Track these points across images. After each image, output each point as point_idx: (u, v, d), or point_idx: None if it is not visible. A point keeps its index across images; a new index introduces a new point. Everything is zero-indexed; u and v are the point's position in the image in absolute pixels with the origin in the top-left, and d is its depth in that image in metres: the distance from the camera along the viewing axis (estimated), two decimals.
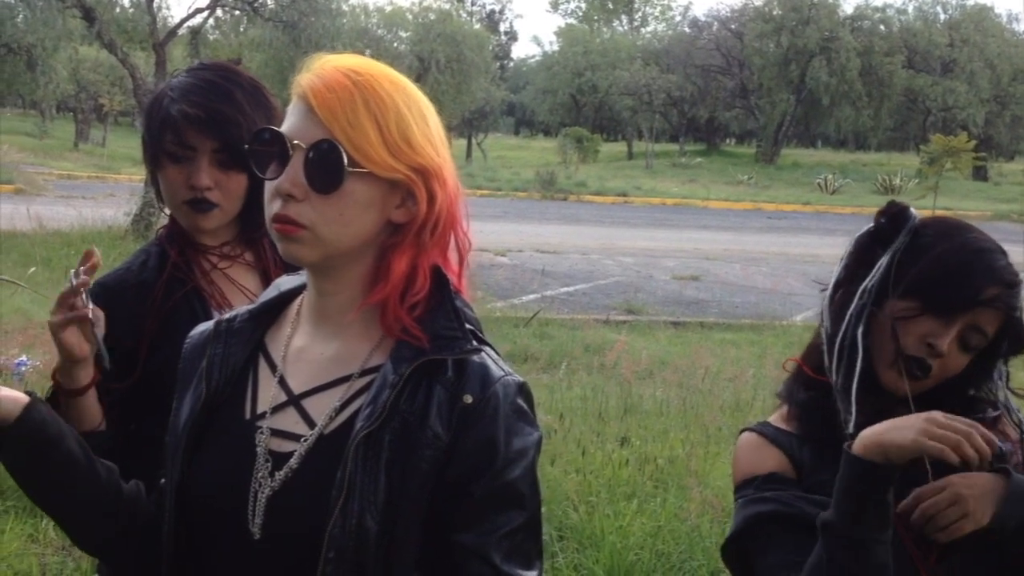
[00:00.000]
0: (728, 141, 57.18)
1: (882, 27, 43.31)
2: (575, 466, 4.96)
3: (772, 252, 17.12)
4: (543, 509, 4.02)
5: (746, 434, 1.78)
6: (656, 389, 6.88)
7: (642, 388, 6.85)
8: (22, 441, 1.39)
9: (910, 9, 45.54)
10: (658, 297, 12.05)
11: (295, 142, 1.32)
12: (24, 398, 1.41)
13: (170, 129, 1.97)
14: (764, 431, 1.76)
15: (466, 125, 45.29)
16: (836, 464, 1.55)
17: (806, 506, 1.62)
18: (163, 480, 1.47)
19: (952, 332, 1.62)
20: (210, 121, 1.96)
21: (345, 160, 1.31)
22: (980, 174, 35.52)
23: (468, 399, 1.33)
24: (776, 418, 1.78)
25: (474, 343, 1.37)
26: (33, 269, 8.34)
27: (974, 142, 9.86)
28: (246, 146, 1.38)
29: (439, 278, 1.39)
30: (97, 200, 16.21)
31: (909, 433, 1.49)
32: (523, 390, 1.38)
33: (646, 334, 9.57)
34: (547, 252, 15.35)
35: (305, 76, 1.35)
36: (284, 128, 1.35)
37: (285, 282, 1.51)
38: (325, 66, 1.35)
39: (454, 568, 1.33)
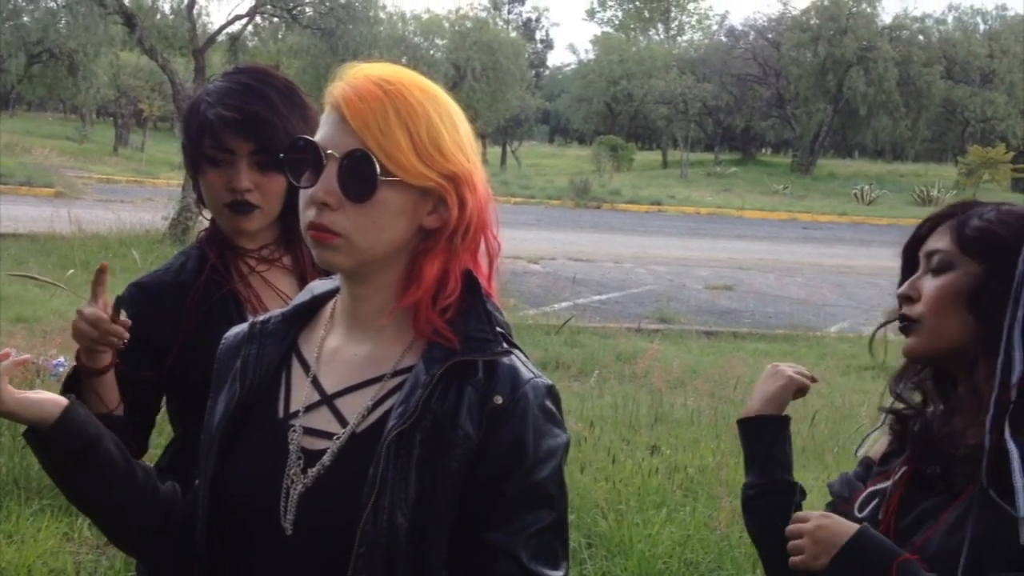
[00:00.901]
0: (764, 151, 56.87)
1: (921, 37, 42.94)
2: (604, 474, 4.96)
3: (807, 263, 17.01)
4: (572, 516, 4.02)
5: None
6: (687, 398, 6.86)
7: (673, 397, 6.84)
8: (60, 443, 1.43)
9: (949, 19, 45.18)
10: (691, 306, 12.01)
11: (329, 151, 1.35)
12: (63, 401, 1.44)
13: (208, 133, 2.00)
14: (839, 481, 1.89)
15: (501, 133, 45.37)
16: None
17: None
18: (196, 478, 1.50)
19: None
20: (247, 123, 1.99)
21: (378, 169, 1.33)
22: (1019, 186, 35.02)
23: (498, 400, 1.35)
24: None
25: (504, 345, 1.39)
26: (71, 271, 8.44)
27: (1012, 153, 9.74)
28: (281, 155, 1.41)
29: (470, 282, 1.42)
30: (135, 204, 16.42)
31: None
32: (552, 392, 1.40)
33: (678, 343, 9.54)
34: (580, 260, 15.34)
35: (338, 86, 1.37)
36: (318, 137, 1.37)
37: (318, 286, 1.53)
38: (357, 75, 1.37)
39: (482, 566, 1.35)
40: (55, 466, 1.47)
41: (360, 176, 1.34)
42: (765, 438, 1.93)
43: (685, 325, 10.61)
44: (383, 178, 1.34)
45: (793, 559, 1.67)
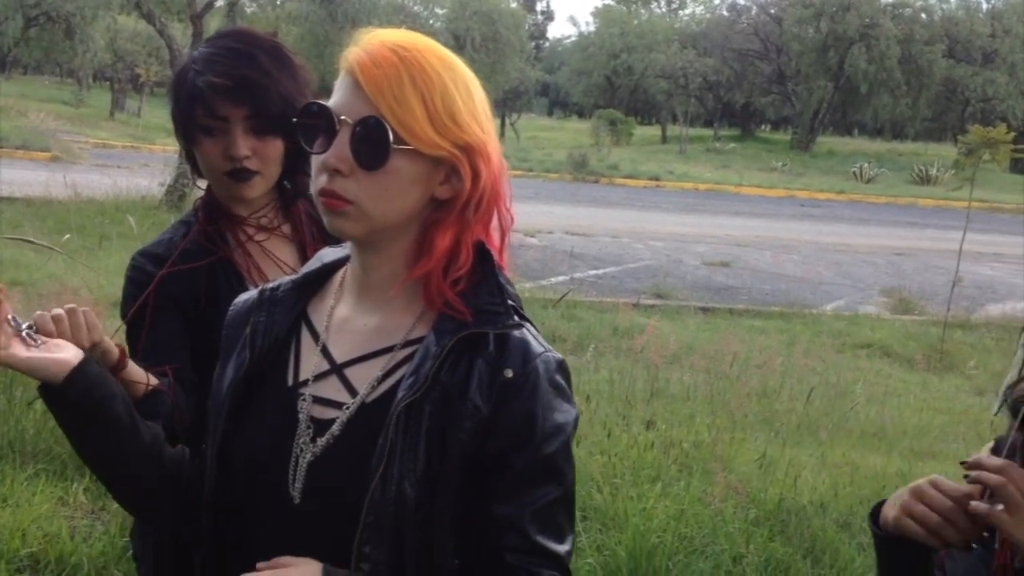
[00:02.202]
0: (763, 127, 56.72)
1: (923, 15, 42.73)
2: (600, 448, 4.96)
3: (804, 240, 17.00)
4: None
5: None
6: (683, 374, 6.86)
7: (669, 373, 6.84)
8: (65, 402, 1.42)
9: None
10: (687, 282, 12.00)
11: (342, 117, 1.33)
12: (71, 362, 1.42)
13: (199, 102, 1.97)
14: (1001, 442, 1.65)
15: (500, 105, 45.16)
16: None
17: None
18: (205, 444, 1.49)
19: None
20: (238, 88, 1.95)
21: (391, 137, 1.32)
22: (1018, 166, 35.02)
23: (509, 373, 1.34)
24: None
25: (516, 318, 1.38)
26: (68, 236, 8.39)
27: (1013, 134, 9.70)
28: (294, 119, 1.39)
29: (483, 254, 1.41)
30: (132, 170, 16.33)
31: (892, 509, 1.42)
32: (562, 367, 1.40)
33: (675, 319, 9.55)
34: (577, 234, 15.32)
35: (353, 50, 1.35)
36: (331, 103, 1.36)
37: (328, 254, 1.52)
38: (372, 41, 1.35)
39: (489, 538, 1.35)
40: (61, 421, 1.47)
41: (373, 143, 1.32)
42: None
43: (682, 301, 10.61)
44: (396, 146, 1.32)
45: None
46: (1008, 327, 10.22)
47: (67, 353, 1.43)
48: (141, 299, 1.96)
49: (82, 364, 1.43)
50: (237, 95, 1.96)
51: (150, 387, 1.80)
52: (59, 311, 1.61)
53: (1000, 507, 1.38)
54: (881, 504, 1.53)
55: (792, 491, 4.62)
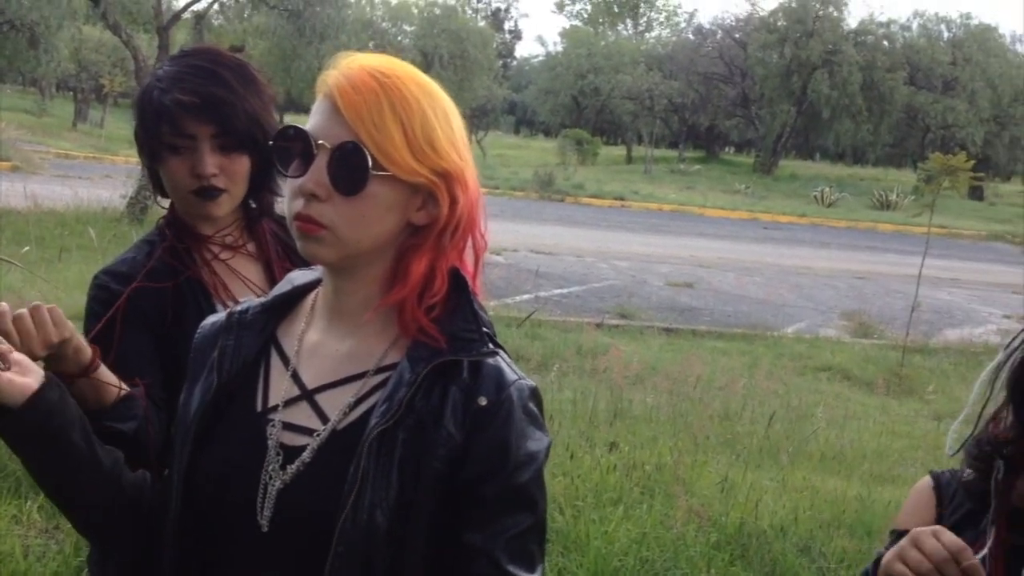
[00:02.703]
0: (727, 149, 57.22)
1: (885, 43, 43.37)
2: (563, 469, 4.96)
3: (767, 262, 17.14)
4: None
5: (924, 479, 1.71)
6: (647, 395, 6.88)
7: (632, 393, 6.86)
8: (22, 427, 1.38)
9: (914, 26, 45.57)
10: (651, 303, 12.06)
11: (320, 142, 1.32)
12: (30, 388, 1.37)
13: (166, 120, 1.95)
14: (940, 478, 1.68)
15: (467, 122, 45.10)
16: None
17: None
18: (167, 470, 1.46)
19: None
20: (205, 106, 1.94)
21: (370, 162, 1.31)
22: (976, 194, 35.60)
23: (483, 401, 1.33)
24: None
25: (490, 346, 1.38)
26: (27, 248, 8.30)
27: (972, 162, 9.84)
28: (271, 142, 1.39)
29: (458, 280, 1.40)
30: (93, 181, 16.18)
31: (889, 554, 1.43)
32: (535, 395, 1.39)
33: (638, 339, 9.58)
34: (542, 253, 15.35)
35: (332, 74, 1.34)
36: (309, 126, 1.34)
37: (298, 276, 1.50)
38: (352, 65, 1.34)
39: (460, 567, 1.33)
40: (16, 446, 1.42)
41: (351, 168, 1.31)
42: None
43: (645, 321, 10.65)
44: (375, 172, 1.31)
45: None
46: (965, 352, 10.35)
47: (29, 377, 1.39)
48: (111, 312, 1.93)
49: (42, 389, 1.38)
50: (204, 113, 1.94)
51: (123, 391, 1.76)
52: (22, 311, 1.57)
53: None
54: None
55: (753, 515, 4.63)
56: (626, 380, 7.02)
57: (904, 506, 1.72)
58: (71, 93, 40.33)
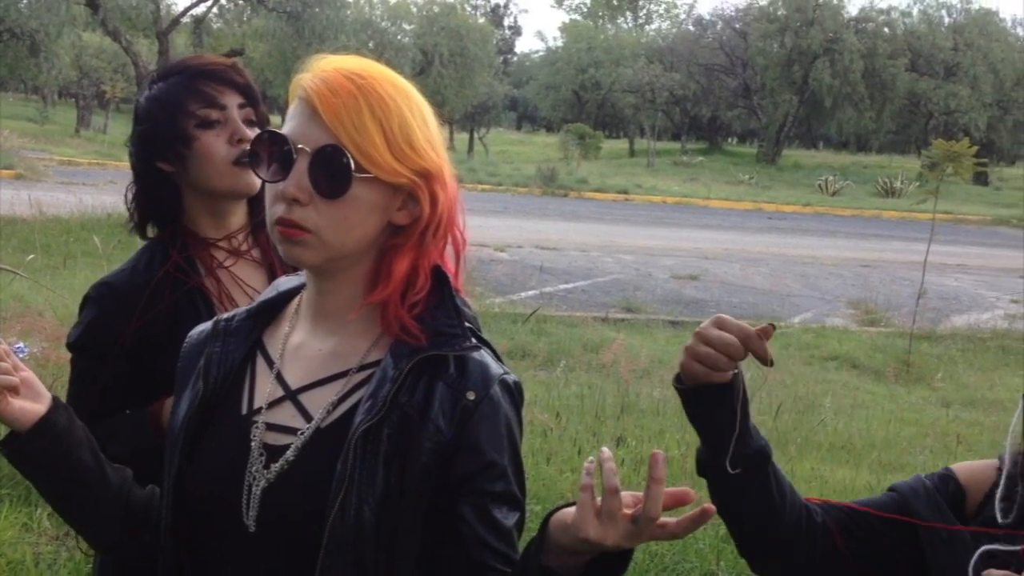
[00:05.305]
0: (730, 140, 57.16)
1: (886, 30, 43.26)
2: (571, 465, 4.96)
3: (771, 253, 17.12)
4: (537, 507, 3.99)
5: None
6: (653, 388, 6.87)
7: (639, 387, 6.85)
8: (30, 453, 1.43)
9: (914, 12, 45.46)
10: (657, 296, 12.04)
11: (300, 146, 1.32)
12: (38, 413, 1.41)
13: (194, 96, 1.96)
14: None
15: (468, 119, 45.25)
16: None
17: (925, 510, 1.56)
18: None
19: None
20: (232, 71, 1.99)
21: (352, 165, 1.31)
22: (981, 179, 35.52)
23: (471, 396, 1.35)
24: None
25: (473, 340, 1.39)
26: (32, 256, 8.33)
27: (976, 147, 9.81)
28: (246, 147, 1.39)
29: (439, 277, 1.41)
30: (98, 187, 16.20)
31: (681, 356, 1.48)
32: (519, 389, 1.42)
33: (644, 333, 9.57)
34: (547, 248, 15.34)
35: (306, 77, 1.34)
36: (286, 130, 1.35)
37: (284, 282, 1.52)
38: (326, 68, 1.35)
39: (454, 562, 1.34)
40: (24, 470, 1.46)
41: (333, 172, 1.32)
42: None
43: (651, 315, 10.64)
44: (356, 174, 1.32)
45: None
46: (973, 338, 10.33)
47: (39, 403, 1.42)
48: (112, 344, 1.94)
49: (49, 413, 1.42)
50: (231, 79, 1.98)
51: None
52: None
53: None
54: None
55: None
56: (633, 374, 7.02)
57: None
58: (73, 100, 40.37)
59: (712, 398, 1.49)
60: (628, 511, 1.21)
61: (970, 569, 1.52)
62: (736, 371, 1.48)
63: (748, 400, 1.52)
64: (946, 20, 44.53)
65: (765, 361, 1.42)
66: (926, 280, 10.16)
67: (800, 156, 45.83)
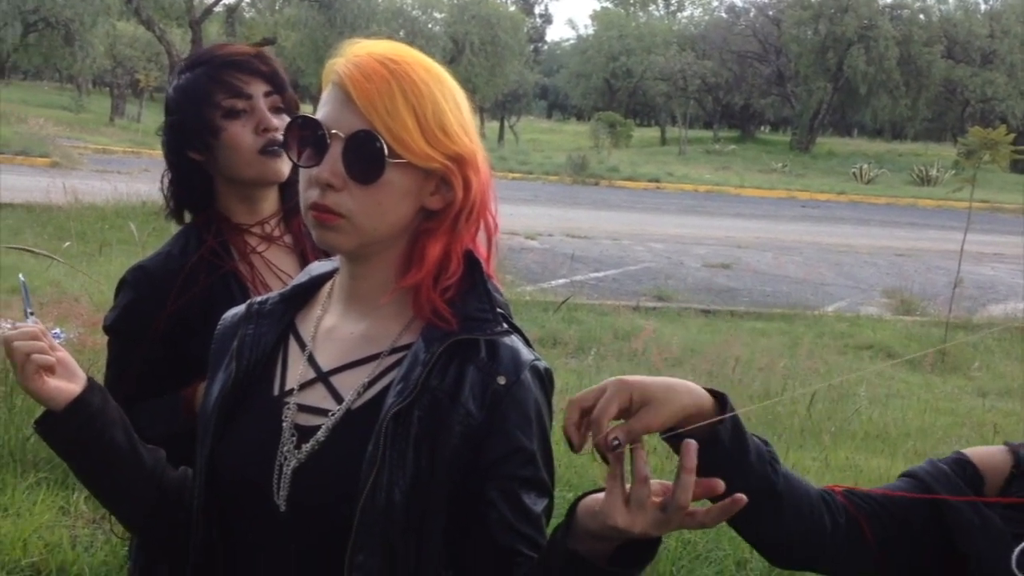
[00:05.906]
0: (763, 128, 56.74)
1: (921, 16, 42.77)
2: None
3: (805, 241, 16.99)
4: (569, 494, 3.99)
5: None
6: (686, 377, 6.82)
7: (671, 375, 6.82)
8: (64, 433, 1.44)
9: None
10: (688, 284, 11.99)
11: (333, 131, 1.33)
12: (73, 393, 1.43)
13: (220, 87, 1.97)
14: (1019, 451, 1.59)
15: (499, 108, 45.22)
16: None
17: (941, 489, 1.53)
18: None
19: None
20: (258, 59, 1.99)
21: (385, 151, 1.31)
22: (1018, 167, 35.00)
23: (502, 380, 1.35)
24: None
25: (504, 326, 1.39)
26: (68, 243, 8.40)
27: (1013, 135, 9.68)
28: (280, 134, 1.40)
29: (471, 262, 1.41)
30: (132, 175, 16.34)
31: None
32: (550, 375, 1.42)
33: (676, 321, 9.53)
34: (577, 237, 15.31)
35: (340, 63, 1.34)
36: (320, 116, 1.35)
37: (316, 267, 1.53)
38: (359, 53, 1.35)
39: (481, 545, 1.35)
40: (59, 450, 1.49)
41: (367, 157, 1.32)
42: None
43: (683, 303, 10.59)
44: (390, 160, 1.32)
45: None
46: (1010, 328, 10.20)
47: (74, 382, 1.44)
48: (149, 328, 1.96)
49: (84, 393, 1.44)
50: (257, 68, 1.98)
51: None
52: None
53: None
54: None
55: None
56: (665, 363, 6.99)
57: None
58: (107, 89, 40.73)
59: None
60: (657, 499, 1.20)
61: (1013, 560, 1.48)
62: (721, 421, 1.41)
63: (744, 435, 1.44)
64: (982, 7, 43.97)
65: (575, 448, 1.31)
66: (962, 269, 10.03)
67: (834, 144, 45.43)
